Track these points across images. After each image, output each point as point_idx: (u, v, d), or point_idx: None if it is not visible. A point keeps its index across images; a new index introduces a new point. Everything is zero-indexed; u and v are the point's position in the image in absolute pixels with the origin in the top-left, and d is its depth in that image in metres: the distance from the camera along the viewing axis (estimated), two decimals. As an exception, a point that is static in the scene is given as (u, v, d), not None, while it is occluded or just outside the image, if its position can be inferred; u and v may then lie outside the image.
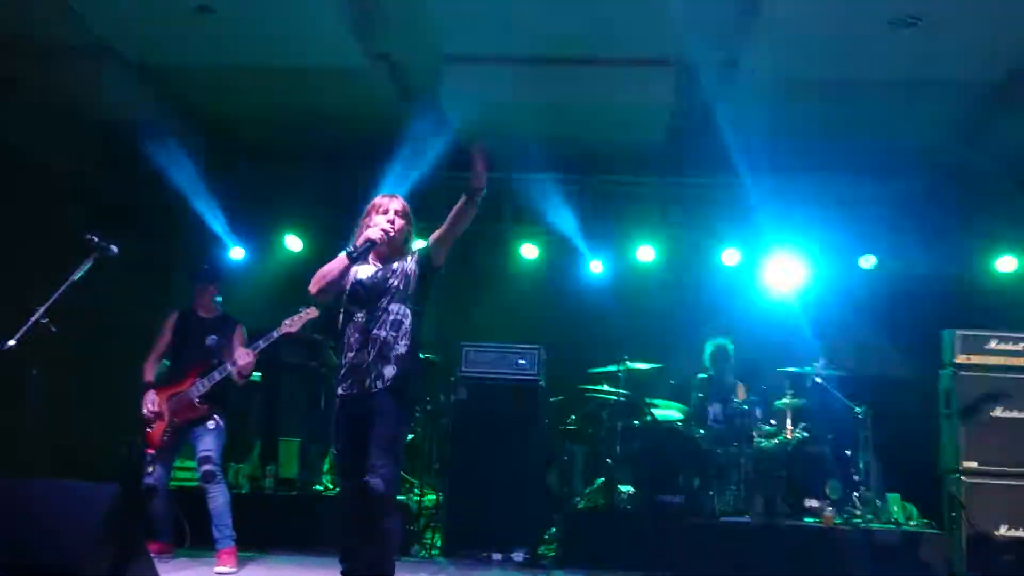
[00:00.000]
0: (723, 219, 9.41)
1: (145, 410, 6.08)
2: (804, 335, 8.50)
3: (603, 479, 7.86)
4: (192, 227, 9.87)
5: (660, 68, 7.94)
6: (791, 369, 7.92)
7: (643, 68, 7.97)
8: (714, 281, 9.48)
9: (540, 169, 9.50)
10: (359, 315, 4.38)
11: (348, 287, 4.46)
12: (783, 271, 9.27)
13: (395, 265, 4.47)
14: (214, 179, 9.65)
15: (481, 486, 7.24)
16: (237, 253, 9.69)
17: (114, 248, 5.53)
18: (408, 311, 4.39)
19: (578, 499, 7.96)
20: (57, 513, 4.11)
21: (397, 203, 4.59)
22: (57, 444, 7.85)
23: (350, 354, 4.35)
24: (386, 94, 8.48)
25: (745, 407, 7.69)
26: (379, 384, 4.27)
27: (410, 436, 8.33)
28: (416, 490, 7.88)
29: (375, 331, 4.31)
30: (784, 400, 7.81)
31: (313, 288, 4.44)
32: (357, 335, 4.34)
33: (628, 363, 7.78)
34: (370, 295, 4.39)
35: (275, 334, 5.88)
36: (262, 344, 5.99)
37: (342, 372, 4.40)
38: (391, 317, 4.35)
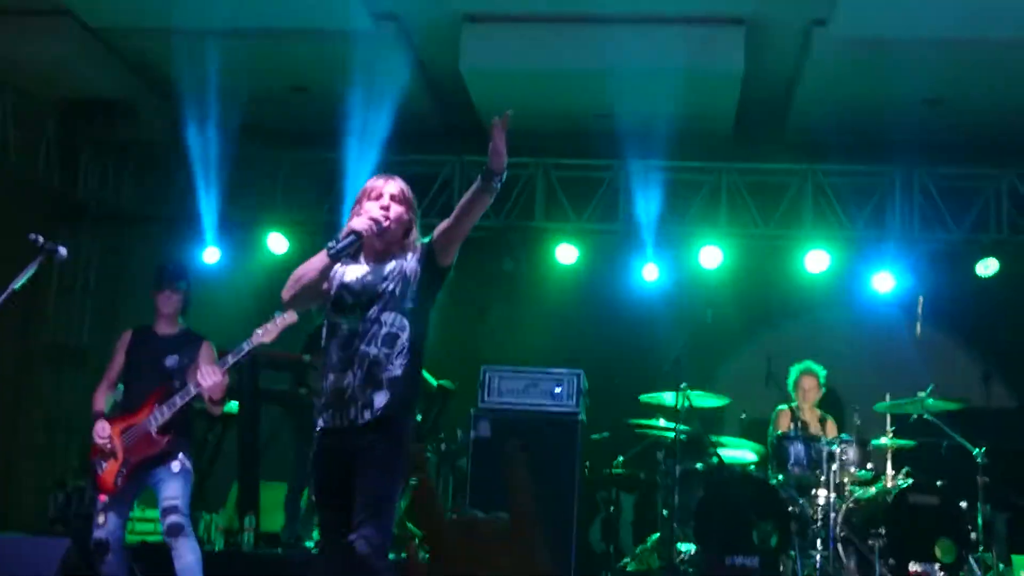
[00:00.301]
0: (807, 215, 9.40)
1: (95, 444, 6.08)
2: (907, 358, 8.47)
3: (658, 535, 7.85)
4: (153, 224, 10.06)
5: (729, 28, 7.99)
6: (891, 401, 7.89)
7: (707, 27, 8.04)
8: (795, 292, 9.47)
9: (579, 153, 9.58)
10: (344, 327, 4.26)
11: (332, 292, 4.35)
12: (880, 279, 9.24)
13: (391, 265, 4.33)
14: (181, 165, 9.82)
15: (507, 543, 7.25)
16: (211, 255, 9.78)
17: (63, 250, 5.60)
18: (406, 322, 4.25)
19: (627, 560, 7.96)
20: (5, 570, 4.19)
21: (394, 186, 4.44)
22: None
23: (331, 376, 4.24)
24: (393, 62, 8.57)
25: (835, 447, 7.66)
26: (367, 415, 4.16)
27: (412, 481, 8.38)
28: (427, 547, 7.91)
29: (363, 347, 4.20)
30: (883, 439, 7.77)
31: (286, 294, 4.35)
32: (341, 352, 4.23)
33: (688, 392, 7.77)
34: (358, 301, 4.27)
35: (246, 346, 5.87)
36: (231, 359, 5.97)
37: (323, 399, 4.29)
38: (384, 330, 4.23)
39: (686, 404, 7.67)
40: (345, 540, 4.14)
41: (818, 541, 7.46)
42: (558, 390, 7.57)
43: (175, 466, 6.05)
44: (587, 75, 8.43)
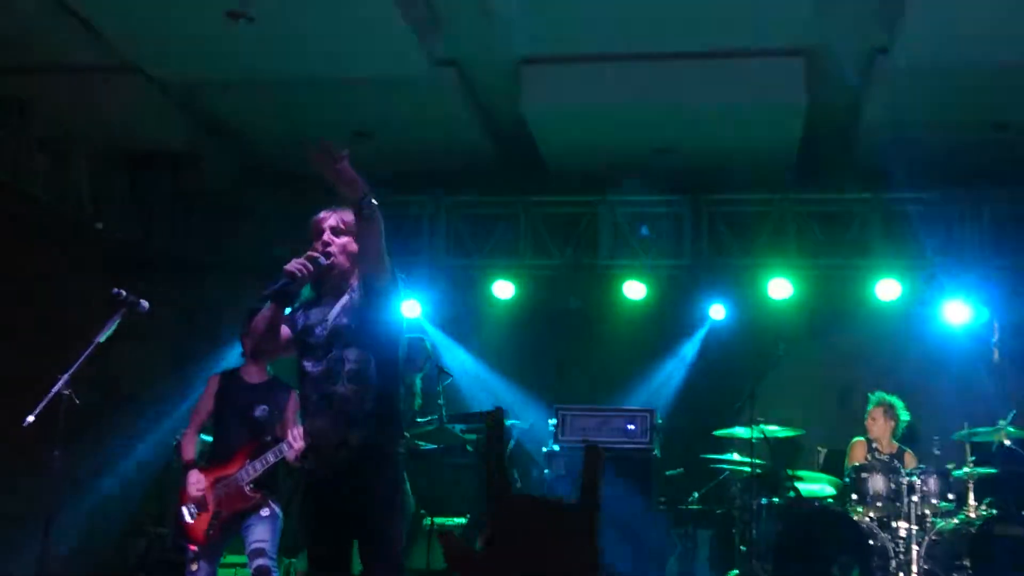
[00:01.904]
0: (876, 244, 9.37)
1: (190, 495, 6.17)
2: (984, 386, 8.39)
3: (736, 571, 7.82)
4: (222, 272, 10.27)
5: (789, 60, 8.04)
6: (971, 430, 7.81)
7: (768, 60, 8.08)
8: (867, 322, 9.42)
9: (643, 190, 9.64)
10: (311, 369, 4.24)
11: (297, 334, 4.33)
12: (953, 306, 9.17)
13: (343, 300, 4.30)
14: (248, 213, 10.06)
15: (584, 583, 7.27)
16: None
17: (144, 304, 5.80)
18: (369, 355, 4.21)
19: (706, 597, 7.95)
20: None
21: (333, 218, 4.36)
22: (68, 537, 8.17)
23: (308, 420, 4.25)
24: (453, 106, 8.73)
25: (915, 479, 7.60)
26: (343, 453, 4.12)
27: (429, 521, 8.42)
28: (504, 588, 7.95)
29: (331, 387, 4.18)
30: (964, 469, 7.69)
31: (245, 350, 4.39)
32: (313, 395, 4.21)
33: (764, 426, 7.76)
34: (318, 342, 4.25)
35: (285, 447, 5.89)
36: (271, 459, 6.05)
37: (305, 439, 4.31)
38: (347, 366, 4.19)
39: (760, 438, 7.66)
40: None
41: (901, 575, 7.40)
42: (632, 427, 7.61)
43: (264, 511, 6.10)
44: (648, 111, 8.51)
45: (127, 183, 9.54)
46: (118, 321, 5.71)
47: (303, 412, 4.31)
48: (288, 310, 4.32)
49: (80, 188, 8.96)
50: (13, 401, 6.10)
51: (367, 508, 4.12)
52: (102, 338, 5.65)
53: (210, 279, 10.34)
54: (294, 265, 4.17)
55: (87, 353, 5.57)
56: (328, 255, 4.26)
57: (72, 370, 5.45)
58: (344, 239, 4.32)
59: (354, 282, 4.30)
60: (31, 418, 5.30)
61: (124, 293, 5.73)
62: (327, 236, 4.32)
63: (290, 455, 5.87)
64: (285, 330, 4.34)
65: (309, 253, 4.23)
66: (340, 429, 4.13)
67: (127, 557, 8.44)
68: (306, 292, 4.39)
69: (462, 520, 8.10)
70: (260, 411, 6.26)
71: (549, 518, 1.07)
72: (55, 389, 5.35)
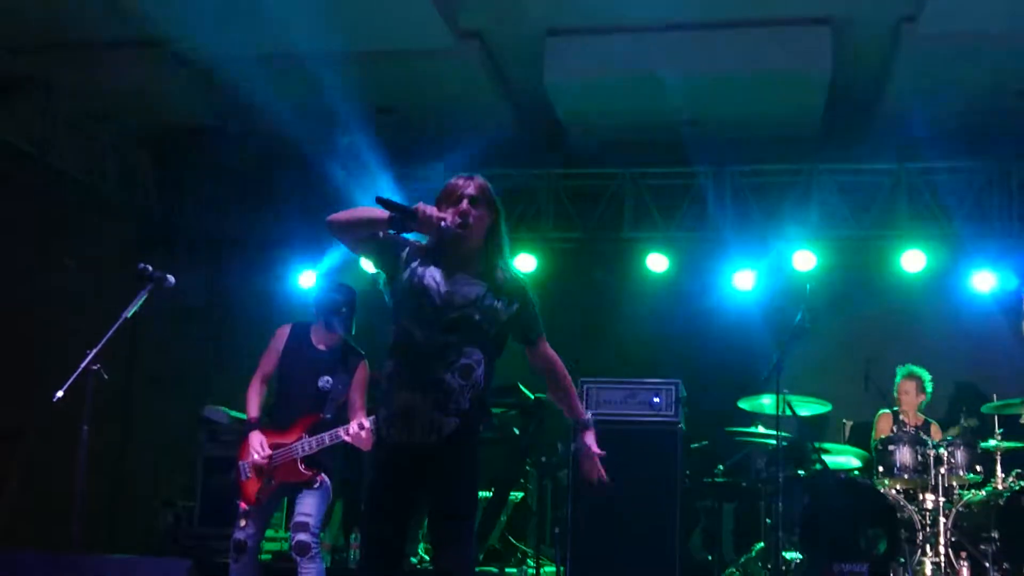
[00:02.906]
0: (902, 214, 9.27)
1: (252, 458, 5.98)
2: (1014, 357, 8.30)
3: (762, 544, 7.80)
4: (249, 248, 10.28)
5: (817, 28, 7.95)
6: (999, 402, 7.74)
7: (793, 29, 8.00)
8: (893, 293, 9.34)
9: (667, 161, 9.57)
10: (420, 342, 4.02)
11: (408, 283, 4.08)
12: (981, 276, 9.08)
13: (479, 289, 4.08)
14: (273, 189, 10.05)
15: (609, 555, 7.27)
16: (307, 279, 9.95)
17: (171, 279, 5.79)
18: (483, 357, 4.07)
19: (732, 570, 7.91)
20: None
21: (472, 186, 4.08)
22: (96, 510, 8.21)
23: (402, 392, 4.04)
24: (477, 79, 8.67)
25: (942, 451, 7.55)
26: (433, 438, 4.01)
27: (519, 495, 8.44)
28: (531, 562, 7.97)
29: (438, 373, 4.01)
30: (992, 441, 7.63)
31: (333, 216, 4.05)
32: (414, 369, 4.03)
33: (790, 398, 7.71)
34: (438, 318, 4.03)
35: (342, 434, 5.78)
36: (328, 441, 5.87)
37: (387, 412, 4.10)
38: (462, 360, 4.03)
39: (787, 411, 7.61)
40: (391, 553, 4.08)
41: (928, 547, 7.36)
42: (657, 400, 7.56)
43: (316, 482, 6.04)
44: (672, 82, 8.43)
45: (152, 159, 9.54)
46: (145, 296, 5.72)
47: (394, 378, 4.09)
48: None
49: (106, 164, 8.97)
50: (41, 376, 6.13)
51: (447, 486, 4.08)
52: (129, 313, 5.65)
53: (235, 255, 10.35)
54: (431, 211, 3.97)
55: (114, 328, 5.57)
56: (465, 225, 4.02)
57: (100, 346, 5.45)
58: (481, 210, 4.07)
59: (493, 269, 4.14)
60: (60, 393, 5.31)
61: (151, 268, 5.72)
62: (465, 205, 4.04)
63: (348, 439, 5.81)
64: (372, 242, 4.14)
65: (442, 215, 3.99)
66: (436, 416, 4.01)
67: (155, 531, 8.47)
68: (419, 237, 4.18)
69: (487, 494, 8.11)
70: (324, 382, 6.06)
71: None
72: (83, 364, 5.35)
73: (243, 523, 5.94)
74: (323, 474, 6.04)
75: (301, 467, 5.96)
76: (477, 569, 7.38)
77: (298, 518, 5.96)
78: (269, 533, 7.08)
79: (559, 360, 4.33)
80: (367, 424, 5.77)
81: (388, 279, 4.16)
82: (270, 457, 5.97)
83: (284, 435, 6.01)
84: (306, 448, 5.94)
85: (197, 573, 4.49)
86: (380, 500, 4.16)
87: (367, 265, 4.24)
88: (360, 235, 4.09)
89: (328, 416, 6.00)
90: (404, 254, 4.15)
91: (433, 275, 4.07)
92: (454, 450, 4.06)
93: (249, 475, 6.03)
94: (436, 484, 4.08)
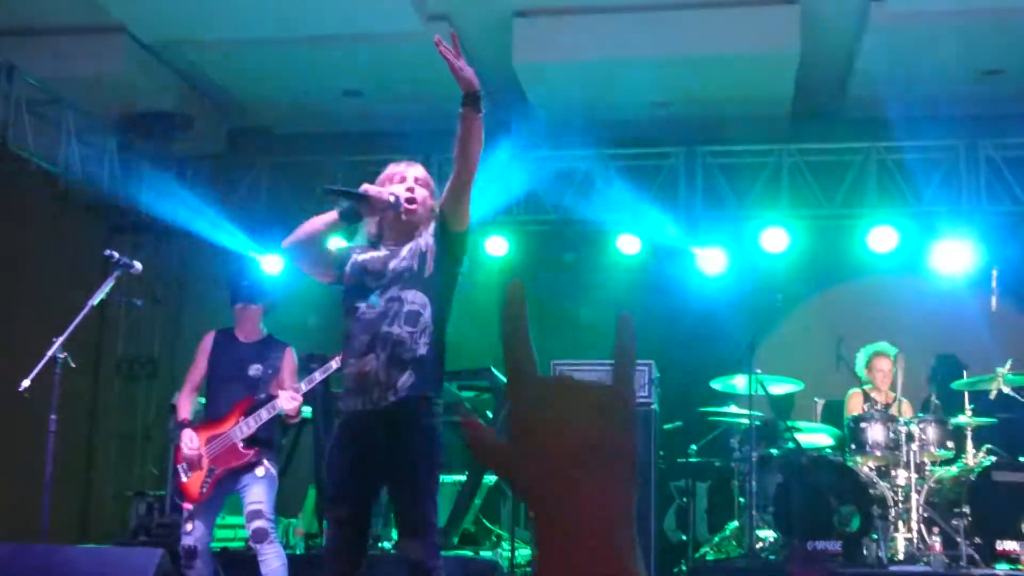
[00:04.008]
0: (871, 193, 9.31)
1: (182, 452, 6.10)
2: (982, 334, 8.36)
3: (736, 523, 7.83)
4: (213, 237, 10.19)
5: (786, 8, 7.96)
6: (969, 379, 7.79)
7: (764, 9, 8.01)
8: (863, 271, 9.39)
9: (637, 143, 9.57)
10: (364, 309, 4.13)
11: (348, 271, 4.22)
12: (950, 254, 9.13)
13: (409, 245, 4.21)
14: (239, 175, 9.96)
15: (585, 537, 7.26)
16: (271, 264, 9.88)
17: (137, 265, 5.76)
18: (427, 299, 4.15)
19: (706, 549, 7.94)
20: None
21: (417, 169, 4.31)
22: (66, 500, 8.15)
23: (353, 361, 4.09)
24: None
25: (914, 427, 7.60)
26: (391, 396, 4.03)
27: (493, 478, 8.43)
28: (506, 544, 7.96)
29: (385, 328, 4.07)
30: (962, 417, 7.69)
31: (288, 240, 4.18)
32: (363, 335, 4.09)
33: (761, 378, 7.73)
34: (378, 284, 4.15)
35: (334, 364, 5.88)
36: (319, 376, 5.97)
37: (345, 386, 4.16)
38: (405, 307, 4.11)
39: (759, 390, 7.63)
40: (398, 547, 4.13)
41: (900, 523, 7.41)
42: (630, 381, 7.55)
43: (260, 471, 6.07)
44: (642, 64, 8.42)
45: (117, 145, 9.43)
46: (112, 283, 5.67)
47: (348, 353, 4.14)
48: (340, 235, 4.31)
49: (69, 151, 8.86)
50: (7, 365, 6.05)
51: (405, 457, 4.04)
52: (95, 300, 5.61)
53: (201, 241, 10.25)
54: (376, 190, 4.11)
55: (81, 316, 5.53)
56: (412, 200, 4.18)
57: (67, 334, 5.40)
58: (424, 193, 4.25)
59: (426, 227, 4.23)
60: (27, 382, 5.26)
61: (117, 255, 5.69)
62: (412, 184, 4.23)
63: (287, 407, 5.87)
64: (328, 254, 4.26)
65: (394, 191, 4.13)
66: (391, 371, 4.04)
67: (127, 520, 8.41)
68: (357, 237, 4.33)
69: (462, 477, 8.09)
70: (254, 369, 6.18)
71: (576, 397, 1.02)
72: (50, 353, 5.31)
73: (189, 527, 5.95)
74: (266, 459, 6.10)
75: (240, 447, 6.02)
76: (452, 553, 7.39)
77: (250, 507, 6.01)
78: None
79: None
80: (302, 389, 5.89)
81: (337, 280, 4.26)
82: (207, 446, 6.04)
83: (221, 425, 6.10)
84: (244, 430, 6.02)
85: (169, 561, 4.46)
86: (338, 477, 4.14)
87: (324, 278, 4.29)
88: (319, 246, 4.20)
89: (263, 396, 6.08)
90: (350, 256, 4.27)
91: (373, 255, 4.22)
92: (411, 414, 4.06)
93: (188, 473, 6.07)
94: (394, 444, 4.03)
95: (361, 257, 4.22)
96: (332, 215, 4.14)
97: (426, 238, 4.21)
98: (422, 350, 4.07)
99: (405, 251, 4.19)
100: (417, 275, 4.15)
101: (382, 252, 4.22)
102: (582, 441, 1.15)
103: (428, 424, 4.11)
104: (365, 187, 4.14)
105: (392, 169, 4.30)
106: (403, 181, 4.23)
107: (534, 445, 1.14)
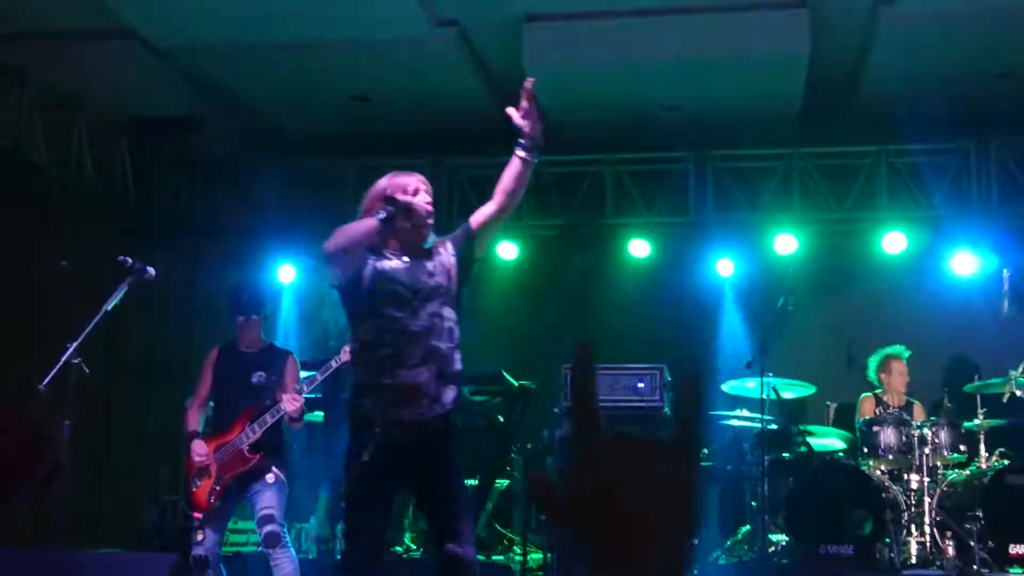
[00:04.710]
0: (881, 196, 9.28)
1: (193, 462, 6.15)
2: (994, 337, 8.33)
3: (748, 527, 7.82)
4: (226, 239, 10.21)
5: (795, 11, 7.94)
6: (981, 382, 7.76)
7: (773, 12, 7.98)
8: (874, 275, 9.37)
9: (648, 146, 9.55)
10: (411, 323, 4.19)
11: (373, 284, 4.23)
12: (961, 256, 9.10)
13: (433, 260, 4.31)
14: (251, 179, 9.96)
15: (597, 541, 7.25)
16: (287, 273, 9.89)
17: (151, 270, 5.76)
18: (455, 316, 4.30)
19: (718, 553, 7.92)
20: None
21: (425, 182, 4.39)
22: (79, 505, 8.14)
23: (401, 372, 4.15)
24: (455, 67, 8.61)
25: (926, 431, 7.58)
26: (437, 409, 4.17)
27: (505, 482, 8.43)
28: (518, 549, 7.95)
29: (434, 342, 4.18)
30: (975, 420, 7.67)
31: (330, 245, 4.18)
32: (411, 347, 4.16)
33: (774, 381, 7.71)
34: (414, 295, 4.21)
35: (334, 363, 5.94)
36: (319, 377, 6.07)
37: (383, 395, 4.17)
38: (447, 324, 4.23)
39: (771, 394, 7.62)
40: (448, 551, 4.14)
41: (913, 527, 7.39)
42: (641, 385, 7.55)
43: (269, 478, 6.11)
44: (652, 67, 8.41)
45: (128, 150, 9.44)
46: (125, 289, 5.68)
47: (393, 363, 4.18)
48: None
49: (81, 155, 8.87)
50: (21, 371, 6.06)
51: (448, 466, 4.24)
52: (110, 306, 5.62)
53: (214, 246, 10.26)
54: (417, 202, 4.22)
55: (95, 322, 5.53)
56: (431, 216, 4.30)
57: (80, 339, 5.40)
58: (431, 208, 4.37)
59: (444, 246, 4.36)
60: (41, 387, 5.26)
61: (131, 260, 5.70)
62: (428, 197, 4.33)
63: (289, 409, 5.95)
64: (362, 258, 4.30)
65: (423, 205, 4.26)
66: (439, 385, 4.18)
67: (140, 525, 8.42)
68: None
69: (473, 482, 8.08)
70: (257, 377, 6.24)
71: (640, 456, 1.03)
72: (64, 358, 5.30)
73: (200, 536, 5.99)
74: (274, 466, 6.14)
75: (246, 452, 6.07)
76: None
77: (262, 512, 6.05)
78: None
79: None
80: (304, 391, 6.04)
81: (349, 284, 4.28)
82: (214, 455, 6.10)
83: (227, 434, 6.16)
84: (250, 435, 6.07)
85: (183, 566, 4.48)
86: (373, 483, 4.19)
87: (340, 280, 4.31)
88: (361, 250, 4.24)
89: (267, 403, 6.13)
90: (365, 260, 4.32)
91: (393, 265, 4.28)
92: (448, 420, 4.24)
93: (198, 482, 6.12)
94: (432, 454, 4.20)
95: (384, 265, 4.26)
96: (374, 222, 4.16)
97: (447, 256, 4.33)
98: (458, 365, 4.28)
99: (432, 266, 4.29)
100: (447, 291, 4.29)
101: (401, 263, 4.28)
102: (644, 497, 1.18)
103: (458, 434, 4.31)
104: (407, 198, 4.22)
105: (404, 179, 4.33)
106: (416, 194, 4.29)
107: (599, 501, 1.17)
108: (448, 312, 4.25)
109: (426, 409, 4.17)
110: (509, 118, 4.26)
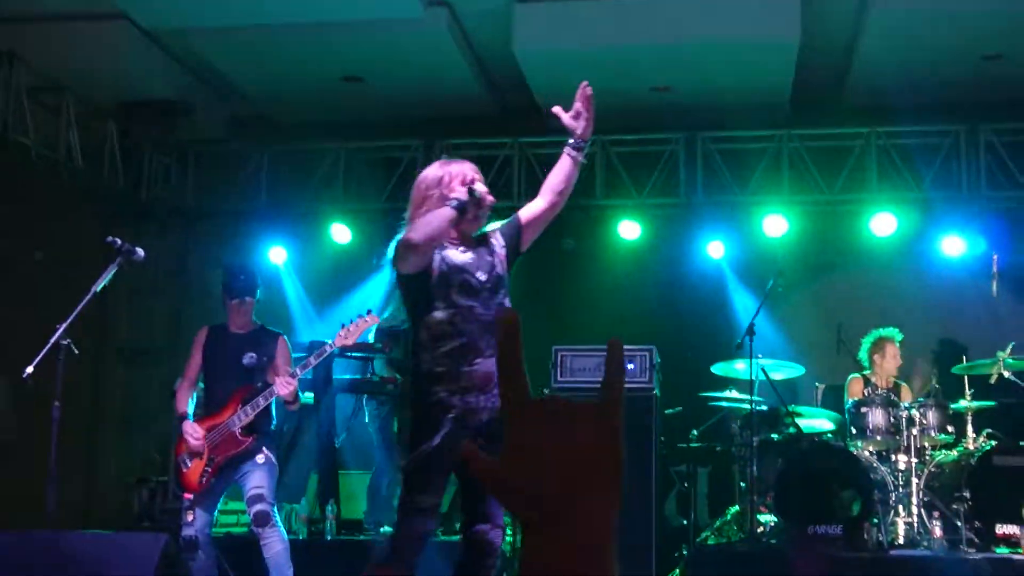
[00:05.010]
0: (871, 179, 9.29)
1: (185, 443, 6.15)
2: (983, 319, 8.37)
3: (736, 508, 7.84)
4: (217, 221, 10.20)
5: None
6: (969, 363, 7.79)
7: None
8: (863, 257, 9.38)
9: (638, 128, 9.54)
10: (480, 311, 4.23)
11: (443, 273, 4.24)
12: (950, 239, 9.12)
13: (492, 250, 4.36)
14: (241, 161, 9.94)
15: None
16: (277, 255, 9.88)
17: (140, 252, 5.75)
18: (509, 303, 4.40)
19: (707, 533, 7.95)
20: (104, 568, 4.29)
21: (479, 172, 4.42)
22: (70, 487, 8.14)
23: (479, 360, 4.20)
24: (445, 48, 8.60)
25: (914, 412, 7.61)
26: (497, 401, 4.23)
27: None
28: (508, 530, 7.96)
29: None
30: (963, 402, 7.70)
31: (419, 236, 4.13)
32: (488, 337, 4.21)
33: (763, 362, 7.73)
34: (483, 286, 4.26)
35: (328, 348, 5.94)
36: (313, 361, 6.05)
37: (461, 382, 4.21)
38: None
39: (760, 375, 7.64)
40: (475, 532, 4.24)
41: (901, 507, 7.42)
42: (631, 366, 7.56)
43: (260, 458, 6.12)
44: (643, 50, 8.41)
45: (118, 133, 9.41)
46: (114, 270, 5.67)
47: (466, 350, 4.22)
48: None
49: (70, 138, 8.84)
50: (9, 352, 6.05)
51: (498, 450, 4.23)
52: (99, 287, 5.60)
53: (203, 228, 10.25)
54: (483, 189, 4.27)
55: (84, 303, 5.52)
56: (489, 204, 4.33)
57: (70, 320, 5.39)
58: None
59: (495, 237, 4.38)
60: (30, 369, 5.26)
61: (120, 242, 5.68)
62: (486, 187, 4.35)
63: (282, 393, 5.95)
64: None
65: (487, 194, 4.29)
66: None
67: (131, 506, 8.43)
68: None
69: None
70: (248, 358, 6.20)
71: (563, 417, 1.04)
72: (53, 339, 5.30)
73: (190, 517, 5.99)
74: (265, 447, 6.14)
75: (239, 434, 6.07)
76: (452, 538, 7.40)
77: (251, 492, 6.05)
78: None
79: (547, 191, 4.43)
80: (297, 375, 6.01)
81: (420, 274, 4.27)
82: (205, 438, 6.08)
83: (219, 415, 6.15)
84: (243, 417, 6.07)
85: (174, 547, 4.49)
86: (436, 468, 4.21)
87: (411, 267, 4.29)
88: (439, 241, 4.26)
89: (259, 385, 6.12)
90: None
91: (461, 254, 4.31)
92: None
93: (189, 463, 6.12)
94: (490, 439, 4.19)
95: (451, 255, 4.28)
96: (451, 213, 4.19)
97: (499, 249, 4.37)
98: None
99: (493, 257, 4.34)
100: (506, 282, 4.36)
101: (468, 253, 4.33)
102: (572, 458, 1.19)
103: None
104: (477, 188, 4.26)
105: (459, 167, 4.36)
106: (473, 182, 4.31)
107: (529, 464, 1.19)
108: (507, 302, 4.33)
109: (495, 396, 4.19)
110: (556, 117, 4.30)
